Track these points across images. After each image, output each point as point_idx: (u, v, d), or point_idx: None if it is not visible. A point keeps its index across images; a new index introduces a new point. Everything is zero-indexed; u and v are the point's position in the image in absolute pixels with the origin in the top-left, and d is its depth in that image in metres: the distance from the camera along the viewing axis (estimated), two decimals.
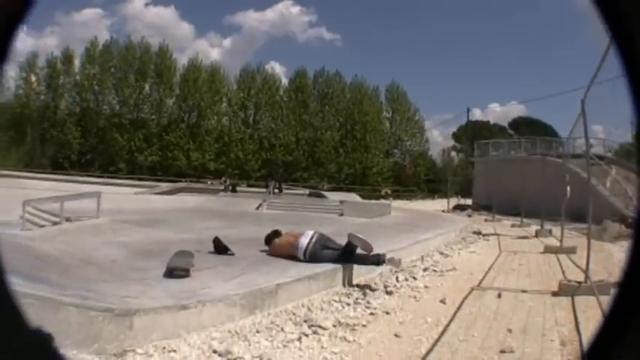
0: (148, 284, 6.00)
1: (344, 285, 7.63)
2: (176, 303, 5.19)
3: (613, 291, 1.04)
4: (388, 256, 8.42)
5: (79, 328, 4.46)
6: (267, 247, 8.90)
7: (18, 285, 4.61)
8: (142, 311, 4.80)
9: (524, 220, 21.92)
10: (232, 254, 8.52)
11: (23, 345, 1.07)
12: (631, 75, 1.09)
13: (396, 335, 5.69)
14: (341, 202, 24.82)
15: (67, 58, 60.97)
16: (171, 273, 6.62)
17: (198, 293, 5.62)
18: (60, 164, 55.56)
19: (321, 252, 8.00)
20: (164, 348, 4.69)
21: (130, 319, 4.69)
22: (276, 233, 9.07)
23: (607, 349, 1.06)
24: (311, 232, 8.36)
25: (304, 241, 8.12)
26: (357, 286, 7.76)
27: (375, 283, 8.03)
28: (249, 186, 44.46)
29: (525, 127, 67.47)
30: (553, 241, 14.86)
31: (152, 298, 5.30)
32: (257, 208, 23.41)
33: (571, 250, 12.46)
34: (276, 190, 36.30)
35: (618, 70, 1.13)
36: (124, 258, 8.06)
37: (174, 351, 4.69)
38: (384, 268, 8.52)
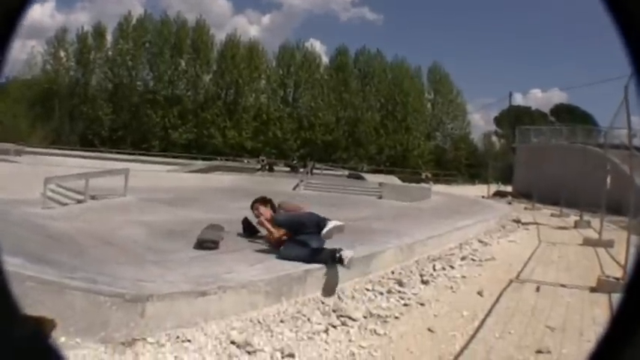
0: (168, 267, 5.66)
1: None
2: (194, 288, 4.85)
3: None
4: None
5: (84, 315, 4.16)
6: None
7: (17, 267, 4.31)
8: (155, 297, 4.46)
9: (564, 209, 21.33)
10: (262, 236, 8.13)
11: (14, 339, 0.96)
12: None
13: (429, 330, 5.40)
14: (380, 184, 24.37)
15: (99, 33, 60.05)
16: (201, 245, 6.88)
17: (221, 278, 5.28)
18: (90, 141, 54.86)
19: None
20: (178, 337, 4.38)
21: (142, 306, 4.36)
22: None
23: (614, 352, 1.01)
24: None
25: None
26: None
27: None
28: (286, 165, 44.13)
29: (567, 114, 66.13)
30: (591, 233, 14.60)
31: (169, 283, 4.95)
32: (294, 189, 23.18)
33: (609, 244, 12.28)
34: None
35: None
36: (147, 238, 7.74)
37: (189, 341, 4.38)
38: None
